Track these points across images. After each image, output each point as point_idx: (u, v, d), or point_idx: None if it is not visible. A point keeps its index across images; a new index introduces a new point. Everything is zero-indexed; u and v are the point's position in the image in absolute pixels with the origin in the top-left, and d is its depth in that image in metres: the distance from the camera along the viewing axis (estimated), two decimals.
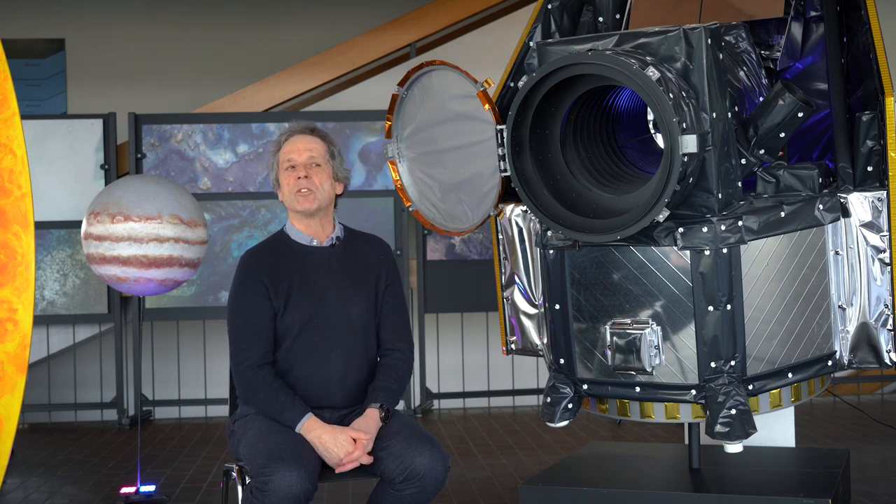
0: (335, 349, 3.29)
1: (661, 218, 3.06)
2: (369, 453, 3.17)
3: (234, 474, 3.21)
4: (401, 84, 3.73)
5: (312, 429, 3.16)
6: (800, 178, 3.42)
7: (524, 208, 3.72)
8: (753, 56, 3.59)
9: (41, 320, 6.60)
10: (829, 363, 3.45)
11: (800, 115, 3.28)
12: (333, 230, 3.40)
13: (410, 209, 3.84)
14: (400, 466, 3.10)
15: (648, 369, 3.27)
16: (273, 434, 3.13)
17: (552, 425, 3.52)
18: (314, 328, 3.27)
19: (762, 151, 3.35)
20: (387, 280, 3.41)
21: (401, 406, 6.93)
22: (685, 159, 3.02)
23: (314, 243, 3.37)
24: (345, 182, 3.43)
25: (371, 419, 3.20)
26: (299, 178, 3.31)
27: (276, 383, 3.22)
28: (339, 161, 3.40)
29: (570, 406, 3.48)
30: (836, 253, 3.42)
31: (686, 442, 3.88)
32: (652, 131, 3.58)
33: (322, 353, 3.28)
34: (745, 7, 3.67)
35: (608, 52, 3.11)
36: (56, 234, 6.65)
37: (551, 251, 3.43)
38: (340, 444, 3.13)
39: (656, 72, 3.00)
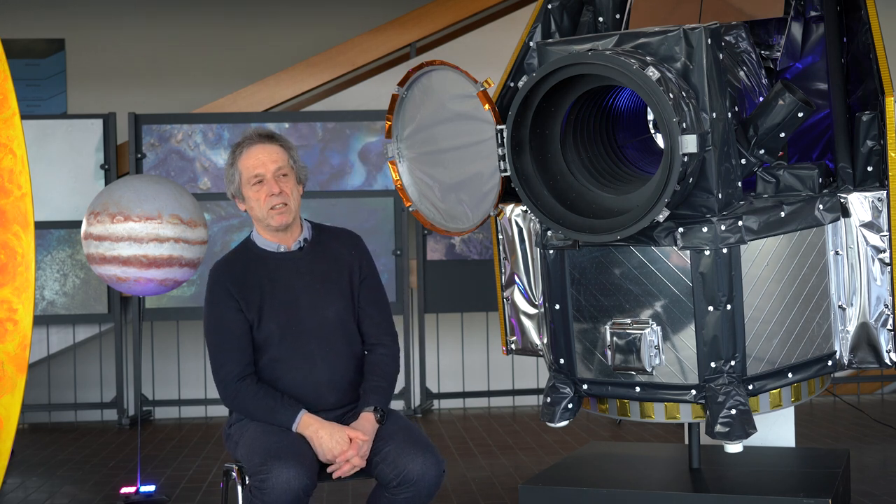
0: (318, 353, 3.27)
1: (661, 218, 3.06)
2: (369, 459, 3.17)
3: (234, 474, 3.21)
4: (401, 84, 3.73)
5: (309, 424, 3.15)
6: (800, 178, 3.42)
7: (524, 208, 3.72)
8: (753, 56, 3.59)
9: (41, 320, 6.60)
10: (829, 363, 3.45)
11: (800, 115, 3.28)
12: (301, 232, 3.36)
13: (410, 209, 3.84)
14: (394, 471, 3.10)
15: (648, 369, 3.27)
16: (270, 434, 3.13)
17: (552, 425, 3.51)
18: (293, 335, 3.26)
19: (762, 151, 3.35)
20: (361, 274, 3.36)
21: (401, 406, 6.94)
22: (685, 159, 3.02)
23: (282, 249, 3.33)
24: (305, 181, 3.39)
25: (367, 422, 3.20)
26: (273, 194, 3.25)
27: (261, 391, 3.21)
28: (299, 164, 3.35)
29: (570, 406, 3.48)
30: (836, 253, 3.42)
31: (686, 442, 3.88)
32: (652, 131, 3.57)
33: (305, 358, 3.26)
34: (745, 7, 3.67)
35: (608, 52, 3.11)
36: (56, 234, 6.65)
37: (551, 251, 3.43)
38: (336, 440, 3.13)
39: (656, 72, 3.00)
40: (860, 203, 3.41)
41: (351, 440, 3.14)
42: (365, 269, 3.38)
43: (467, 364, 7.18)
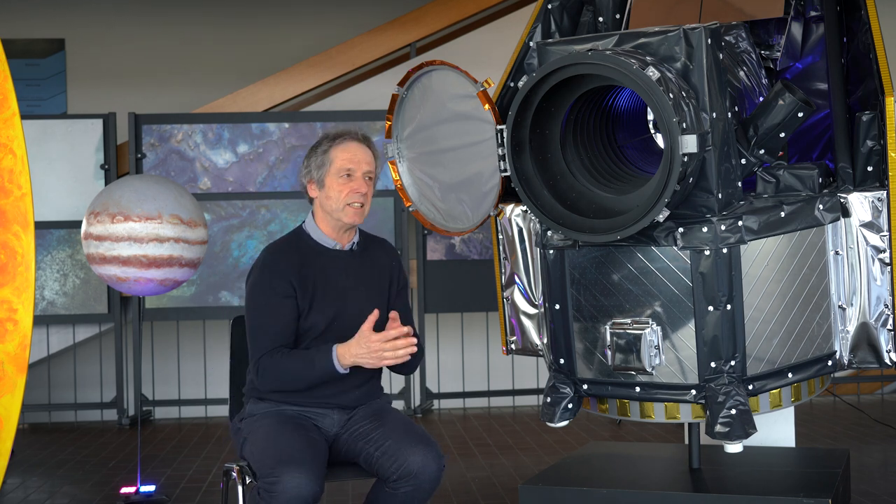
0: None
1: (661, 218, 3.06)
2: (369, 454, 3.17)
3: (234, 474, 3.21)
4: (401, 84, 3.73)
5: (344, 357, 3.17)
6: (800, 178, 3.42)
7: (524, 208, 3.72)
8: (753, 56, 3.59)
9: (41, 320, 6.60)
10: (829, 363, 3.45)
11: (800, 115, 3.28)
12: (355, 235, 3.44)
13: (410, 209, 3.85)
14: (394, 465, 3.11)
15: (648, 369, 3.27)
16: (281, 436, 3.14)
17: (552, 425, 3.51)
18: (335, 331, 3.28)
19: (762, 151, 3.35)
20: (398, 285, 3.46)
21: (401, 406, 6.94)
22: (685, 159, 3.02)
23: (336, 247, 3.39)
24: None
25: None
26: (358, 191, 3.32)
27: (285, 353, 3.22)
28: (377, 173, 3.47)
29: (570, 406, 3.48)
30: (836, 253, 3.42)
31: (686, 442, 3.88)
32: (652, 131, 3.57)
33: None
34: (745, 7, 3.67)
35: (608, 52, 3.11)
36: (56, 234, 6.65)
37: (551, 251, 3.43)
38: (364, 345, 3.14)
39: (656, 72, 3.00)
40: (860, 203, 3.41)
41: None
42: (402, 279, 3.49)
43: (467, 364, 7.18)
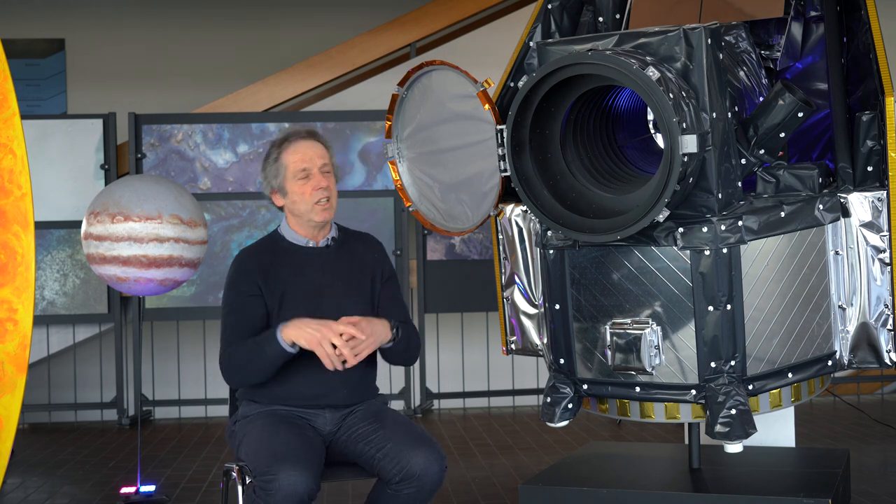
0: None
1: (661, 218, 3.06)
2: (370, 455, 3.17)
3: (234, 474, 3.21)
4: (401, 84, 3.73)
5: (287, 329, 3.14)
6: (800, 178, 3.42)
7: (524, 208, 3.72)
8: (753, 56, 3.59)
9: (41, 320, 6.60)
10: (829, 363, 3.45)
11: (800, 115, 3.28)
12: (330, 231, 3.42)
13: (410, 209, 3.85)
14: (396, 466, 3.10)
15: (648, 369, 3.27)
16: (275, 435, 3.13)
17: (552, 425, 3.51)
18: None
19: (762, 151, 3.35)
20: (382, 278, 3.43)
21: (401, 406, 6.94)
22: (685, 159, 3.02)
23: (310, 244, 3.38)
24: (339, 181, 3.46)
25: (377, 321, 3.21)
26: (320, 187, 3.30)
27: (241, 342, 3.22)
28: (336, 164, 3.43)
29: (570, 406, 3.48)
30: (836, 253, 3.42)
31: (686, 442, 3.88)
32: (652, 131, 3.57)
33: None
34: (745, 7, 3.67)
35: (608, 52, 3.11)
36: (56, 234, 6.65)
37: (551, 251, 3.43)
38: (324, 321, 3.13)
39: (656, 72, 3.00)
40: (860, 203, 3.41)
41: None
42: (387, 272, 3.46)
43: (467, 364, 7.18)
